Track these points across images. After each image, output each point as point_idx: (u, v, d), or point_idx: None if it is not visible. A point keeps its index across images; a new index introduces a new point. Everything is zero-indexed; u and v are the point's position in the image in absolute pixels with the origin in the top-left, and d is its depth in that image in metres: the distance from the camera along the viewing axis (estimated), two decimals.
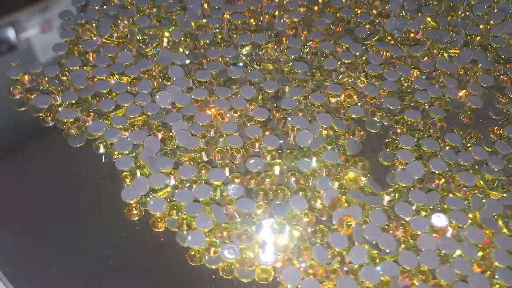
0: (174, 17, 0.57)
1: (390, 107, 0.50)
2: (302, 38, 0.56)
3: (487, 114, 0.52)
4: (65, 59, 0.52)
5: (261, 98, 0.51)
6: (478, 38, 0.57)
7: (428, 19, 0.59)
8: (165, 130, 0.47)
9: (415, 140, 0.48)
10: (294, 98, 0.50)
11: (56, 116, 0.48)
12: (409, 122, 0.49)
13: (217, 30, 0.56)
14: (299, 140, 0.47)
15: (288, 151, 0.46)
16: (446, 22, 0.59)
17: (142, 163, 0.45)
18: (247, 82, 0.51)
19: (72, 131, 0.47)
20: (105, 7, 0.57)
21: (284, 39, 0.56)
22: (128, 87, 0.50)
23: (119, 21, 0.56)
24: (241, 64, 0.54)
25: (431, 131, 0.49)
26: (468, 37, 0.58)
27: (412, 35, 0.58)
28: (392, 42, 0.57)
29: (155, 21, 0.56)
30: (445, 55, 0.55)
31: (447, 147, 0.47)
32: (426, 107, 0.50)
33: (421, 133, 0.48)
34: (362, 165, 0.46)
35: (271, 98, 0.51)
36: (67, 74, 0.51)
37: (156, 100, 0.49)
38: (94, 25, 0.56)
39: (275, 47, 0.55)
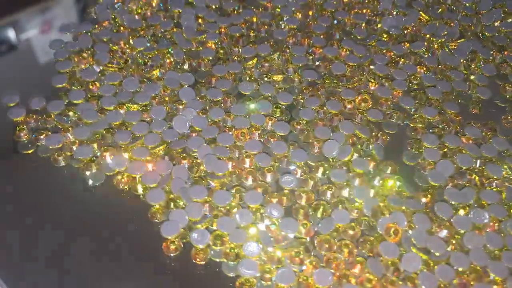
0: (171, 36, 0.55)
1: (406, 107, 0.51)
2: (305, 45, 0.55)
3: (493, 103, 0.53)
4: (67, 93, 0.49)
5: (278, 111, 0.50)
6: (472, 27, 0.59)
7: (421, 13, 0.59)
8: (190, 156, 0.45)
9: (437, 137, 0.48)
10: (312, 108, 0.49)
11: (73, 155, 0.45)
12: (427, 120, 0.50)
13: (219, 45, 0.55)
14: (325, 151, 0.46)
15: (319, 163, 0.46)
16: (439, 15, 0.59)
17: (174, 195, 0.43)
18: (261, 97, 0.50)
19: (90, 169, 0.45)
20: (96, 31, 0.55)
21: (287, 48, 0.55)
22: (141, 116, 0.48)
23: (115, 46, 0.53)
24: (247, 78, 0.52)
25: (451, 126, 0.49)
26: (460, 28, 0.59)
27: (409, 30, 0.58)
28: (392, 40, 0.57)
29: (152, 42, 0.54)
30: (446, 49, 0.56)
31: (470, 141, 0.48)
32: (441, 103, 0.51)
33: (441, 129, 0.49)
34: (393, 169, 0.46)
35: (286, 110, 0.50)
36: (74, 109, 0.48)
37: (173, 126, 0.47)
38: (89, 52, 0.53)
39: (281, 57, 0.54)
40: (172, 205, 0.43)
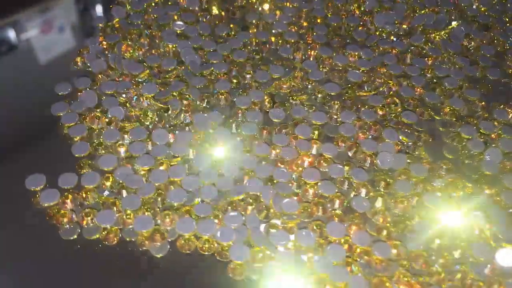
0: (180, 76, 0.51)
1: (432, 102, 0.51)
2: (312, 57, 0.54)
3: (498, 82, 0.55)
4: (92, 161, 0.44)
5: (317, 133, 0.48)
6: (456, 12, 0.60)
7: (405, 5, 0.60)
8: (254, 201, 0.43)
9: (474, 127, 0.49)
10: (350, 122, 0.48)
11: (129, 228, 0.41)
12: (456, 111, 0.51)
13: (233, 74, 0.52)
14: (380, 164, 0.46)
15: (379, 177, 0.45)
16: (422, 5, 0.61)
17: (260, 247, 0.40)
18: (293, 121, 0.49)
19: (154, 241, 0.41)
20: (95, 86, 0.50)
21: (299, 64, 0.53)
22: (187, 170, 0.44)
23: (125, 98, 0.49)
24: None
25: (479, 113, 0.51)
26: (446, 12, 0.60)
27: (404, 26, 0.59)
28: (392, 37, 0.57)
29: (161, 85, 0.50)
30: (444, 37, 0.57)
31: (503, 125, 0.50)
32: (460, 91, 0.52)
33: (474, 118, 0.50)
34: (449, 168, 0.46)
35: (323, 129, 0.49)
36: (111, 177, 0.43)
37: (224, 173, 0.44)
38: (98, 109, 0.48)
39: (297, 76, 0.52)
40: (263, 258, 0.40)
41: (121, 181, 0.43)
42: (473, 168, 0.47)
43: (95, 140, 0.46)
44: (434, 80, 0.53)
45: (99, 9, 0.60)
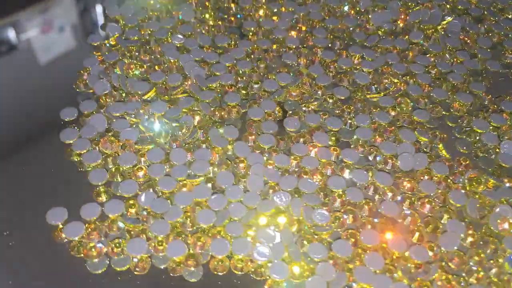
0: (188, 91, 0.50)
1: (440, 98, 0.52)
2: (316, 62, 0.54)
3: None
4: (112, 187, 0.43)
5: (334, 139, 0.48)
6: (448, 6, 0.61)
7: (399, 2, 0.60)
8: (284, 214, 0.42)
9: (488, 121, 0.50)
10: (366, 125, 0.48)
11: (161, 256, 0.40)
12: (464, 106, 0.51)
13: (241, 86, 0.51)
14: (402, 166, 0.46)
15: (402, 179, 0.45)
16: (415, 1, 0.61)
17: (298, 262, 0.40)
18: (308, 129, 0.48)
19: (189, 266, 0.40)
20: (101, 110, 0.48)
21: (305, 69, 0.53)
22: (211, 189, 0.43)
23: (136, 119, 0.47)
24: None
25: (488, 106, 0.51)
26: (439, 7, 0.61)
27: (401, 24, 0.59)
28: (392, 36, 0.57)
29: (169, 105, 0.48)
30: (442, 32, 0.58)
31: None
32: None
33: (483, 112, 0.51)
34: (467, 163, 0.47)
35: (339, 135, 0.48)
36: (135, 205, 0.41)
37: (249, 189, 0.43)
38: (110, 133, 0.46)
39: (305, 82, 0.52)
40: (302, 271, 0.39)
41: (146, 207, 0.41)
42: (489, 162, 0.48)
43: (111, 166, 0.44)
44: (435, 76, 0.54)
45: (96, 17, 0.58)
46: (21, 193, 0.43)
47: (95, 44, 0.53)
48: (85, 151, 0.44)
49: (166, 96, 0.49)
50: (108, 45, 0.53)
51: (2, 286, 0.39)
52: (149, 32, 0.55)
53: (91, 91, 0.50)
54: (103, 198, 0.42)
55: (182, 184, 0.43)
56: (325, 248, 0.40)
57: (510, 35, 0.58)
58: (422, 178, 0.45)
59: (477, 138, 0.49)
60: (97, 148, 0.45)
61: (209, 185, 0.43)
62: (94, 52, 0.52)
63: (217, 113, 0.48)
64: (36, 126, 0.49)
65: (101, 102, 0.48)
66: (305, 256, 0.40)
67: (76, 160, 0.45)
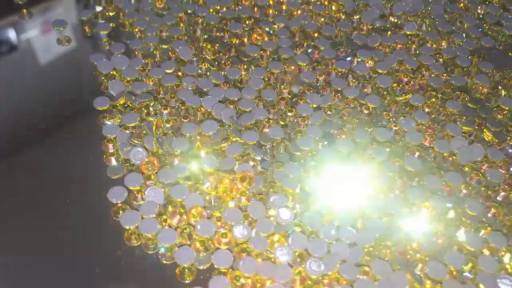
0: (229, 135, 0.46)
1: (459, 84, 0.53)
2: (332, 75, 0.53)
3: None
4: None
5: (389, 150, 0.47)
6: None
7: None
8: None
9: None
10: (414, 128, 0.48)
11: None
12: (483, 87, 0.53)
13: (276, 117, 0.48)
14: (461, 160, 0.46)
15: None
16: None
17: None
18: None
19: None
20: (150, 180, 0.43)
21: (329, 86, 0.51)
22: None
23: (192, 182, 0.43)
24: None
25: (504, 82, 0.53)
26: None
27: (391, 18, 0.59)
28: (389, 33, 0.57)
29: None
30: (429, 18, 0.59)
31: None
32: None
33: (501, 88, 0.53)
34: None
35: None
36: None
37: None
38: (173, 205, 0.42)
39: (335, 97, 0.50)
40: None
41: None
42: None
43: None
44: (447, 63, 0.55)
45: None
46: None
47: (105, 108, 0.48)
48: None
49: (209, 149, 0.45)
50: (118, 106, 0.48)
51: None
52: (155, 81, 0.50)
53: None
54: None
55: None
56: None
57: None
58: (482, 168, 0.46)
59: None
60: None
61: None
62: (107, 119, 0.47)
63: (267, 152, 0.46)
64: (35, 126, 0.48)
65: (145, 173, 0.43)
66: None
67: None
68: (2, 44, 0.55)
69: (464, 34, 0.58)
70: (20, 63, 0.54)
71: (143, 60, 0.51)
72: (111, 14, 0.56)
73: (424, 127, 0.48)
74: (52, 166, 0.44)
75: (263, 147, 0.46)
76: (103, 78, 0.50)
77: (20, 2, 0.56)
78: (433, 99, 0.51)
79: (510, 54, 0.57)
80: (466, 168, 0.46)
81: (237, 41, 0.55)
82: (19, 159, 0.45)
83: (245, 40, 0.55)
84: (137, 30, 0.54)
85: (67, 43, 0.53)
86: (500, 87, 0.53)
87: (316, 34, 0.56)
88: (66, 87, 0.51)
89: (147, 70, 0.51)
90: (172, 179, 0.42)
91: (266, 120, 0.48)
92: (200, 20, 0.56)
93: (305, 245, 0.40)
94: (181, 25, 0.55)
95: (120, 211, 0.41)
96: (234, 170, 0.43)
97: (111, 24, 0.55)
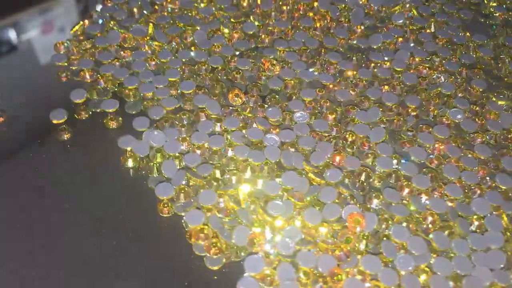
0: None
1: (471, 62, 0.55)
2: (359, 87, 0.52)
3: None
4: None
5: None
6: None
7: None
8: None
9: None
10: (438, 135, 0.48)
11: None
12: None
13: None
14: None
15: None
16: None
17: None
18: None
19: None
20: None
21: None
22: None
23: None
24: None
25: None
26: None
27: (381, 14, 0.59)
28: (385, 29, 0.57)
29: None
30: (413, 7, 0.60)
31: None
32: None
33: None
34: None
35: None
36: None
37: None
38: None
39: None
40: None
41: None
42: None
43: None
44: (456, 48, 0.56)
45: None
46: None
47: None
48: None
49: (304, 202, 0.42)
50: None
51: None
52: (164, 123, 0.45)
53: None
54: None
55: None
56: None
57: None
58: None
59: None
60: None
61: None
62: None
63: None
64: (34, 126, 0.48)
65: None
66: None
67: None
68: (2, 44, 0.55)
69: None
70: (20, 63, 0.53)
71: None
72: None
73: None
74: (52, 164, 0.44)
75: (347, 180, 0.44)
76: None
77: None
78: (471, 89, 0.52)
79: (487, 22, 0.60)
80: None
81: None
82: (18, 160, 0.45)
83: (262, 74, 0.51)
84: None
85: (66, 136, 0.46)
86: (502, 56, 0.55)
87: (320, 49, 0.54)
88: (66, 87, 0.49)
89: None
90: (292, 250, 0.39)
91: (336, 152, 0.45)
92: (205, 67, 0.51)
93: None
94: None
95: None
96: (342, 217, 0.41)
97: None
